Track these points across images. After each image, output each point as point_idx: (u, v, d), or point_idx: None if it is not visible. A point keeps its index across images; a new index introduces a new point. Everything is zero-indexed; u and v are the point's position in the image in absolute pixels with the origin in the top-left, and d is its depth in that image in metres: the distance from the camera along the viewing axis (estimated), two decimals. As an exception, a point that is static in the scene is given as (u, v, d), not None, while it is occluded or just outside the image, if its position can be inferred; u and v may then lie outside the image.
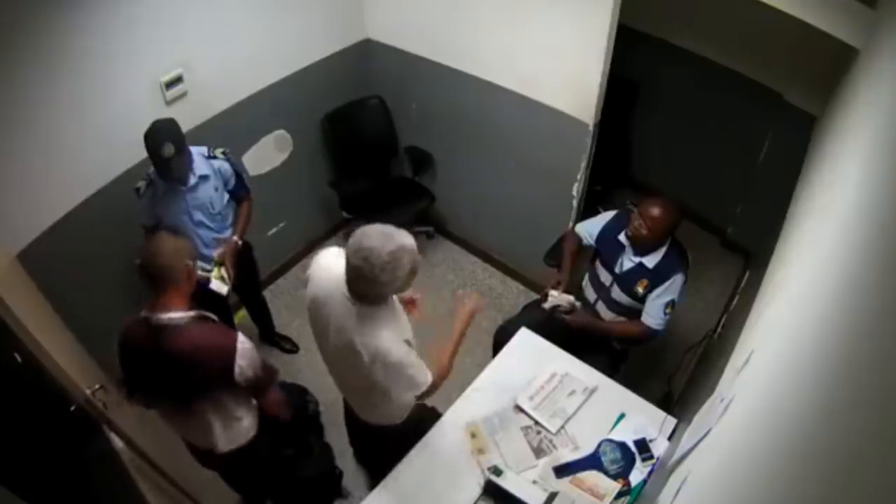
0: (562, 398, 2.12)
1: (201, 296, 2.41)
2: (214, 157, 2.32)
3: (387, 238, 1.49)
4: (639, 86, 3.59)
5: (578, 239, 2.56)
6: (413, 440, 2.00)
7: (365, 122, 3.36)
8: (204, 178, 2.28)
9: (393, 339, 1.61)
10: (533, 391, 2.13)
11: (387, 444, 2.03)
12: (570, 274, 2.54)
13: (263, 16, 2.68)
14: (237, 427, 1.89)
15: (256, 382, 1.77)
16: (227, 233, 2.46)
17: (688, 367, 2.72)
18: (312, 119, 3.22)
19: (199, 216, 2.32)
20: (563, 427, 2.05)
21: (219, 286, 2.36)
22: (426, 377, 1.69)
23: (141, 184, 2.22)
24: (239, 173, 2.43)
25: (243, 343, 1.71)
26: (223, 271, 2.39)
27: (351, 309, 1.60)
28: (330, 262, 1.70)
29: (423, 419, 2.05)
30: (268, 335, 3.15)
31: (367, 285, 1.52)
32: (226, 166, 2.35)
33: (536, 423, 2.06)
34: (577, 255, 2.60)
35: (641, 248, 2.25)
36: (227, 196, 2.41)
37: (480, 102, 2.95)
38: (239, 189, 2.45)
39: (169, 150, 2.05)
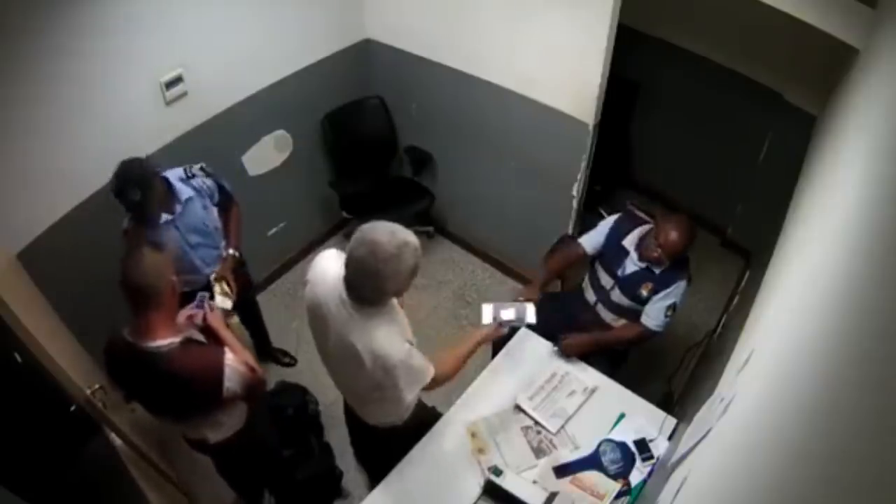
0: (562, 398, 2.12)
1: None
2: (193, 177, 2.24)
3: (392, 233, 1.50)
4: (639, 86, 3.59)
5: (582, 250, 2.47)
6: (413, 440, 2.01)
7: (365, 122, 3.36)
8: (189, 200, 2.20)
9: (393, 341, 1.60)
10: (533, 391, 2.14)
11: (387, 444, 2.02)
12: (547, 283, 2.49)
13: (263, 15, 2.68)
14: (226, 424, 1.91)
15: (244, 395, 1.80)
16: (223, 245, 2.42)
17: (688, 367, 2.72)
18: (312, 119, 3.21)
19: (195, 239, 2.27)
20: (563, 427, 2.05)
21: (223, 301, 2.34)
22: (430, 371, 1.69)
23: (130, 225, 2.12)
24: (220, 184, 2.35)
25: (229, 363, 1.70)
26: (225, 286, 2.36)
27: (350, 312, 1.59)
28: (328, 266, 1.68)
29: (423, 419, 2.05)
30: (264, 349, 3.09)
31: (368, 280, 1.51)
32: (208, 182, 2.28)
33: (536, 423, 2.06)
34: (567, 267, 2.56)
35: (654, 265, 2.23)
36: (215, 210, 2.34)
37: (480, 102, 2.95)
38: (224, 199, 2.38)
39: (135, 194, 1.97)
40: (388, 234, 1.49)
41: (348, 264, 1.52)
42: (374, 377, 1.63)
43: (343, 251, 1.60)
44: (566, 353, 2.26)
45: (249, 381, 1.77)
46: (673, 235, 2.12)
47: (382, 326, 1.60)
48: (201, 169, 2.28)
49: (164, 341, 1.63)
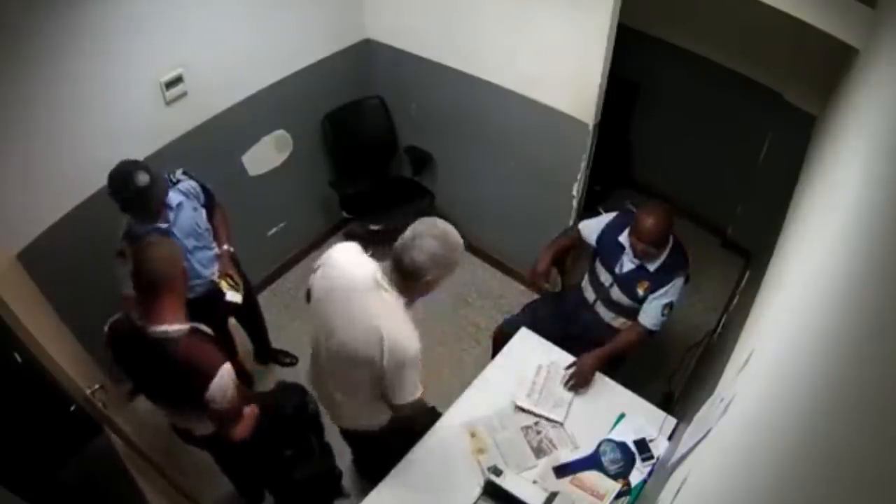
0: (556, 387, 2.15)
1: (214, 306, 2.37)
2: (178, 182, 2.24)
3: (456, 232, 1.63)
4: (639, 86, 3.58)
5: (579, 236, 2.52)
6: (412, 441, 2.00)
7: (365, 122, 3.36)
8: (180, 205, 2.21)
9: (414, 339, 1.62)
10: (528, 388, 2.14)
11: (376, 448, 2.01)
12: (549, 263, 2.46)
13: (263, 16, 2.67)
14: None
15: (218, 415, 1.73)
16: (215, 245, 2.42)
17: (688, 367, 2.72)
18: (312, 119, 3.21)
19: (192, 243, 2.26)
20: (567, 413, 2.07)
21: (234, 296, 2.36)
22: (417, 390, 1.70)
23: (123, 244, 2.10)
24: (203, 185, 2.35)
25: (223, 376, 1.64)
26: (231, 281, 2.38)
27: (384, 298, 1.62)
28: (349, 258, 1.71)
29: (422, 420, 2.05)
30: (264, 352, 3.07)
31: (427, 265, 1.56)
32: (192, 184, 2.28)
33: (541, 418, 2.06)
34: (568, 250, 2.58)
35: (651, 259, 2.24)
36: (204, 211, 2.34)
37: (480, 102, 2.95)
38: (209, 200, 2.38)
39: (144, 178, 1.97)
40: (454, 230, 1.63)
41: (410, 246, 1.56)
42: (381, 367, 1.61)
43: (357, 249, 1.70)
44: (584, 377, 2.18)
45: (234, 404, 1.71)
46: (648, 222, 2.12)
47: (410, 322, 1.64)
48: (183, 172, 2.29)
49: (173, 327, 1.63)
